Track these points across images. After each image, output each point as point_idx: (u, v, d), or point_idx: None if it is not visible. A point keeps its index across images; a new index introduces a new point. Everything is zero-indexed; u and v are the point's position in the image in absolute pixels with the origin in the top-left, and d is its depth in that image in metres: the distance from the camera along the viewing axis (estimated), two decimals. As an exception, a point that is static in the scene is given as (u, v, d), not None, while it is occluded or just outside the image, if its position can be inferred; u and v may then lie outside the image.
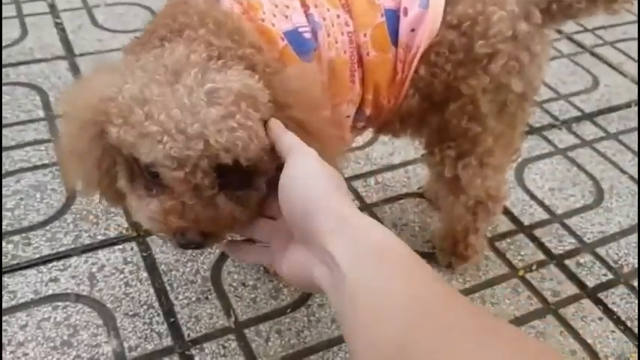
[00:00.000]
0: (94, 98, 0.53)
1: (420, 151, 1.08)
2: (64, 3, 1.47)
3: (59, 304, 0.81)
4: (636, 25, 1.65)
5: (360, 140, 1.13)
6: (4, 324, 0.78)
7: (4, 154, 1.03)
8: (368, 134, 1.01)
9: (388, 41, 0.69)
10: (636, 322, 0.89)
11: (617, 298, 0.92)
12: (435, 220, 1.01)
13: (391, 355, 0.37)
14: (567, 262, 0.98)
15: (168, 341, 0.78)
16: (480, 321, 0.39)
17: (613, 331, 0.87)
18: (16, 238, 0.89)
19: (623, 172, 1.17)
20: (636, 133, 1.28)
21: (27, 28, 1.37)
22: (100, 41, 1.35)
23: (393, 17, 0.69)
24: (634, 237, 1.03)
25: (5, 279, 0.83)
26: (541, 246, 1.00)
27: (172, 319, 0.81)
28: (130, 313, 0.81)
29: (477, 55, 0.69)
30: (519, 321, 0.87)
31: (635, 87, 1.43)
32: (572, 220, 1.05)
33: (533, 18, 0.70)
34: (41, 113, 1.13)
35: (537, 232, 1.02)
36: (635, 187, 1.14)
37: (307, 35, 0.65)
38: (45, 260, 0.87)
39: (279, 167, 0.52)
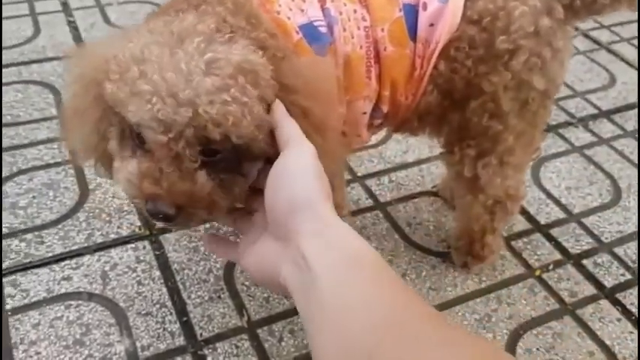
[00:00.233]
0: (100, 58, 0.53)
1: (434, 149, 1.08)
2: (77, 1, 1.47)
3: (72, 302, 0.81)
4: (653, 21, 1.63)
5: (373, 138, 1.11)
6: (16, 322, 0.77)
7: (17, 152, 1.03)
8: (381, 132, 1.00)
9: (406, 36, 0.68)
10: (656, 324, 0.87)
11: (636, 299, 0.91)
12: (449, 219, 1.00)
13: None
14: (585, 262, 0.96)
15: (180, 340, 0.78)
16: (444, 331, 0.40)
17: (631, 332, 0.86)
18: (29, 236, 0.89)
19: (641, 170, 1.15)
20: (654, 130, 1.26)
21: (40, 26, 1.38)
22: (112, 39, 1.35)
23: (412, 12, 0.68)
24: (653, 237, 1.01)
25: (18, 277, 0.83)
26: (558, 245, 0.98)
27: (185, 319, 0.80)
28: (143, 312, 0.81)
29: (498, 51, 0.68)
30: (536, 322, 0.86)
31: (653, 84, 1.41)
32: (590, 220, 1.04)
33: (556, 13, 0.68)
34: (54, 111, 1.13)
35: (554, 232, 1.01)
36: (654, 186, 1.12)
37: (323, 29, 0.65)
38: (58, 259, 0.86)
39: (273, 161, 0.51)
